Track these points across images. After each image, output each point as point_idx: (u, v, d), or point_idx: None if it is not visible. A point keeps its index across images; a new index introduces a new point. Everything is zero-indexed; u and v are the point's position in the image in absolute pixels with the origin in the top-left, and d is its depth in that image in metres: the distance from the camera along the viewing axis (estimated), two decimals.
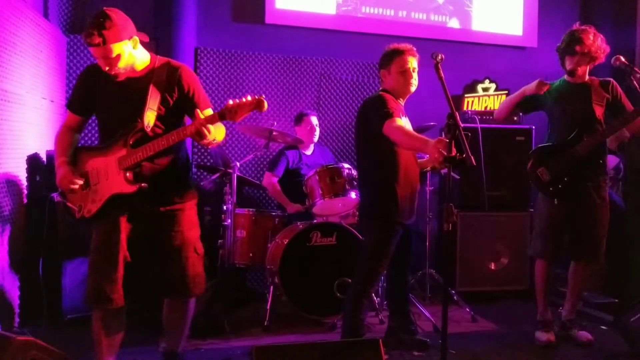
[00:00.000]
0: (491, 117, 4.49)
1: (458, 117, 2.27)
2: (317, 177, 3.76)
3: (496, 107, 4.67)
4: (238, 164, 3.83)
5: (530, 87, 3.48)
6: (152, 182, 2.45)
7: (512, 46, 5.58)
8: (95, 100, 2.54)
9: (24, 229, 3.38)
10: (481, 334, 3.68)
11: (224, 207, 3.83)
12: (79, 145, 2.66)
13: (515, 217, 4.51)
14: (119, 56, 2.34)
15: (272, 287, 3.77)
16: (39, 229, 3.38)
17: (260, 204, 4.80)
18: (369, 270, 3.00)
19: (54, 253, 3.42)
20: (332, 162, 4.31)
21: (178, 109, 2.49)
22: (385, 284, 3.70)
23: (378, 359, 2.28)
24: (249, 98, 2.28)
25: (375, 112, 2.89)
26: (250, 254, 3.96)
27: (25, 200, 3.40)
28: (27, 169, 3.43)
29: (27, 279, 3.35)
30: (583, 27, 3.34)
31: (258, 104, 2.28)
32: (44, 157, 3.65)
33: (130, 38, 2.36)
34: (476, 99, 4.81)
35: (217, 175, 3.95)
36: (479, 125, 4.00)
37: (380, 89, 3.14)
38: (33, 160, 3.50)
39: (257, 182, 4.36)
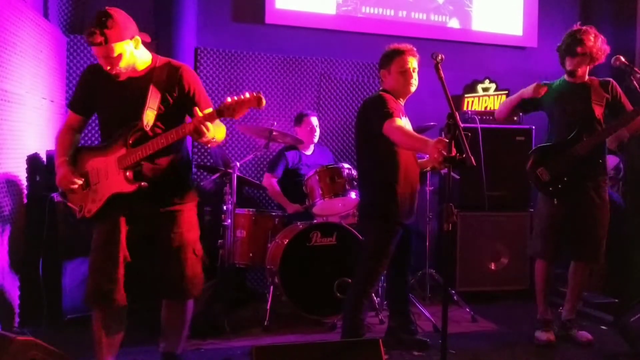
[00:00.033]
0: (491, 117, 4.50)
1: (458, 117, 2.27)
2: (317, 177, 3.76)
3: (496, 107, 4.68)
4: (238, 164, 3.83)
5: (527, 90, 3.50)
6: (152, 183, 2.45)
7: (512, 46, 5.58)
8: (96, 100, 2.54)
9: (24, 229, 3.38)
10: (481, 334, 3.68)
11: (224, 207, 3.83)
12: (80, 145, 2.67)
13: (515, 217, 4.51)
14: (120, 56, 2.34)
15: (272, 287, 3.77)
16: (39, 229, 3.38)
17: (260, 204, 4.80)
18: (369, 270, 3.01)
19: (54, 253, 3.42)
20: (332, 162, 4.31)
21: (179, 109, 2.49)
22: (385, 284, 3.70)
23: (378, 359, 2.28)
24: (247, 95, 2.28)
25: (375, 112, 2.89)
26: (250, 254, 3.96)
27: (25, 200, 3.40)
28: (27, 169, 3.43)
29: (27, 279, 3.35)
30: (584, 28, 3.34)
31: (256, 101, 2.28)
32: (44, 157, 3.65)
33: (132, 38, 2.37)
34: (476, 99, 4.81)
35: (217, 175, 3.95)
36: (479, 125, 3.99)
37: (381, 89, 3.14)
38: (33, 160, 3.50)
39: (257, 182, 4.36)
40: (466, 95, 4.81)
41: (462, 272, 4.41)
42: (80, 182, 2.48)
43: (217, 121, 2.49)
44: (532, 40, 5.58)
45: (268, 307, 3.70)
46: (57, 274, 3.43)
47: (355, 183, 3.68)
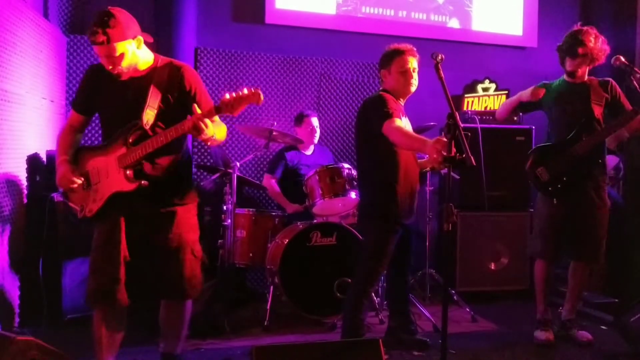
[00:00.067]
0: (491, 117, 4.50)
1: (458, 117, 2.27)
2: (317, 177, 3.76)
3: (496, 107, 4.70)
4: (238, 164, 3.83)
5: (526, 93, 3.52)
6: (153, 182, 2.45)
7: (512, 46, 5.58)
8: (98, 100, 2.55)
9: (24, 229, 3.38)
10: (481, 334, 3.68)
11: (224, 207, 3.83)
12: (81, 145, 2.67)
13: (515, 217, 4.51)
14: (122, 55, 2.34)
15: (272, 287, 3.77)
16: (39, 229, 3.38)
17: (260, 204, 4.80)
18: (369, 270, 3.01)
19: (54, 253, 3.42)
20: (332, 162, 4.31)
21: (180, 108, 2.48)
22: (385, 284, 3.70)
23: (378, 359, 2.28)
24: (245, 91, 2.28)
25: (375, 112, 2.89)
26: (250, 254, 3.96)
27: (25, 200, 3.40)
28: (27, 169, 3.43)
29: (27, 279, 3.35)
30: (585, 29, 3.34)
31: (254, 97, 2.28)
32: (44, 157, 3.65)
33: (134, 37, 2.37)
34: (476, 99, 4.81)
35: (217, 175, 3.95)
36: (479, 125, 3.99)
37: (381, 89, 3.14)
38: (33, 160, 3.50)
39: (257, 182, 4.36)
40: (466, 95, 4.81)
41: (462, 272, 4.41)
42: (79, 181, 2.48)
43: (218, 120, 2.50)
44: (532, 40, 5.58)
45: (268, 307, 3.70)
46: (57, 274, 3.43)
47: (355, 183, 3.68)
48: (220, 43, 4.74)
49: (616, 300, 4.08)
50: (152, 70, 2.49)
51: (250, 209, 4.07)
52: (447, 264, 4.21)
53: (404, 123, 2.96)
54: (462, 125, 2.26)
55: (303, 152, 4.42)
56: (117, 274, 2.41)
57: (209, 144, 2.46)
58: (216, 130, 2.41)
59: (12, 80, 3.17)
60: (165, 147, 2.43)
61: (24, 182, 3.40)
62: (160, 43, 4.32)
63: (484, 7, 5.46)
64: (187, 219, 2.58)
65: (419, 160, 3.16)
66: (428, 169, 3.46)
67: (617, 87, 3.44)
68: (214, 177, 4.02)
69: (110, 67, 2.37)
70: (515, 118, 4.51)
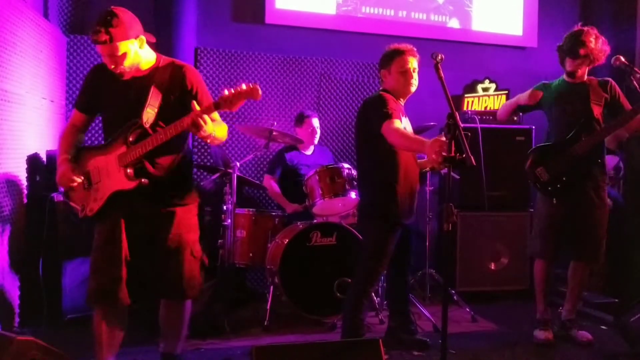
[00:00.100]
0: (491, 117, 4.51)
1: (458, 117, 2.27)
2: (317, 177, 3.76)
3: (496, 107, 4.71)
4: (238, 164, 3.83)
5: (523, 96, 3.55)
6: (153, 182, 2.45)
7: (512, 46, 5.58)
8: (101, 99, 2.56)
9: (24, 229, 3.38)
10: (481, 334, 3.68)
11: (224, 207, 3.83)
12: (83, 145, 2.68)
13: (515, 217, 4.51)
14: (125, 54, 2.35)
15: (272, 287, 3.77)
16: (39, 229, 3.38)
17: (260, 204, 4.80)
18: (369, 270, 3.01)
19: (54, 253, 3.42)
20: (332, 162, 4.31)
21: (181, 107, 2.47)
22: (385, 284, 3.70)
23: (378, 359, 2.28)
24: (244, 86, 2.29)
25: (375, 112, 2.89)
26: (250, 254, 3.96)
27: (25, 200, 3.40)
28: (27, 169, 3.43)
29: (27, 279, 3.35)
30: (586, 29, 3.34)
31: (252, 92, 2.28)
32: (44, 157, 3.65)
33: (136, 37, 2.38)
34: (476, 99, 4.81)
35: (217, 175, 3.95)
36: (479, 125, 3.99)
37: (381, 88, 3.14)
38: (33, 160, 3.50)
39: (257, 182, 4.36)
40: (466, 95, 4.81)
41: (462, 272, 4.41)
42: (79, 179, 2.49)
43: (219, 120, 2.51)
44: (532, 40, 5.58)
45: (268, 307, 3.70)
46: (57, 274, 3.43)
47: (355, 183, 3.68)
48: (220, 43, 4.74)
49: (616, 300, 4.08)
50: (154, 70, 2.50)
51: (250, 209, 4.07)
52: (447, 264, 4.20)
53: (404, 123, 2.96)
54: (462, 125, 2.26)
55: (303, 152, 4.42)
56: (118, 274, 2.42)
57: (208, 141, 2.45)
58: (216, 128, 2.41)
59: (12, 80, 3.17)
60: (166, 147, 2.43)
61: (24, 182, 3.40)
62: (160, 43, 4.32)
63: (484, 7, 5.46)
64: (187, 219, 2.58)
65: (418, 161, 3.16)
66: (428, 169, 3.45)
67: (617, 87, 3.44)
68: (214, 177, 4.02)
69: (113, 66, 2.38)
70: (515, 118, 4.51)
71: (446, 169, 2.32)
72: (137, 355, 3.00)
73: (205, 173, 4.58)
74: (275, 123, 4.35)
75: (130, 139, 2.42)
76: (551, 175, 3.37)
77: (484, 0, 5.46)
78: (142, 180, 2.41)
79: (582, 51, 3.29)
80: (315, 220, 3.85)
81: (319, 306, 3.68)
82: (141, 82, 2.46)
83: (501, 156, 4.38)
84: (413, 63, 3.03)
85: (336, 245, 3.76)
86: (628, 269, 4.19)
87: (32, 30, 3.49)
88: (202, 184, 4.25)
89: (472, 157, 2.20)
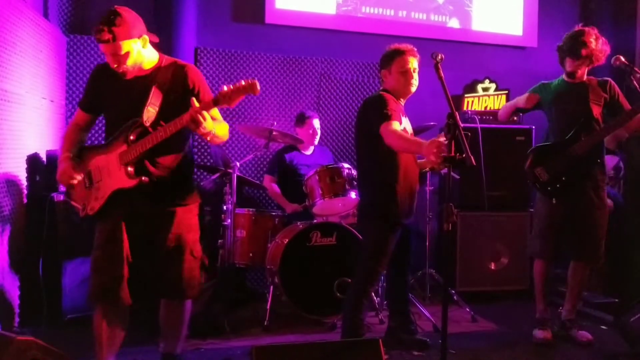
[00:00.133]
0: (491, 117, 4.51)
1: (458, 117, 2.27)
2: (317, 177, 3.76)
3: (496, 107, 4.73)
4: (238, 164, 3.83)
5: (521, 99, 3.57)
6: (154, 182, 2.45)
7: (512, 46, 5.58)
8: (103, 99, 2.57)
9: (24, 229, 3.38)
10: (481, 334, 3.68)
11: (224, 207, 3.83)
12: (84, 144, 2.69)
13: (515, 217, 4.51)
14: (127, 54, 2.36)
15: (272, 287, 3.77)
16: (39, 229, 3.38)
17: (260, 204, 4.80)
18: (369, 270, 3.00)
19: (54, 253, 3.42)
20: (332, 162, 4.31)
21: (182, 106, 2.47)
22: (385, 284, 3.70)
23: (378, 359, 2.28)
24: (243, 82, 2.29)
25: (374, 112, 2.90)
26: (250, 254, 3.96)
27: (25, 200, 3.40)
28: (27, 169, 3.43)
29: (27, 279, 3.35)
30: (586, 30, 3.34)
31: (251, 87, 2.28)
32: (44, 157, 3.65)
33: (139, 37, 2.39)
34: (476, 99, 4.81)
35: (217, 175, 3.95)
36: (479, 125, 3.99)
37: (381, 88, 3.14)
38: (33, 160, 3.50)
39: (257, 182, 4.36)
40: (466, 95, 4.81)
41: (462, 272, 4.41)
42: (79, 177, 2.50)
43: (220, 118, 2.52)
44: (532, 40, 5.58)
45: (268, 307, 3.70)
46: (57, 274, 3.43)
47: (355, 183, 3.68)
48: (220, 43, 4.74)
49: (616, 300, 4.08)
50: (157, 70, 2.51)
51: (250, 209, 4.07)
52: (447, 264, 4.20)
53: (404, 123, 2.96)
54: (462, 125, 2.26)
55: (303, 152, 4.42)
56: (120, 272, 2.42)
57: (208, 139, 2.44)
58: (217, 127, 2.42)
59: (12, 80, 3.17)
60: (167, 147, 2.44)
61: (24, 182, 3.40)
62: (160, 43, 4.33)
63: (484, 7, 5.46)
64: (188, 219, 2.58)
65: (418, 161, 3.16)
66: (428, 169, 3.46)
67: (616, 86, 3.44)
68: (214, 177, 4.02)
69: (116, 65, 2.39)
70: (515, 118, 4.51)
71: (446, 169, 2.32)
72: (137, 355, 3.00)
73: (205, 173, 4.58)
74: (275, 123, 4.36)
75: (131, 137, 2.42)
76: (550, 175, 3.37)
77: (484, 0, 5.46)
78: (143, 178, 2.41)
79: (583, 52, 3.29)
80: (315, 220, 3.85)
81: (319, 306, 3.68)
82: (143, 82, 2.47)
83: (501, 156, 4.38)
84: (413, 63, 3.03)
85: (336, 245, 3.76)
86: (628, 269, 4.19)
87: (32, 30, 3.49)
88: (202, 184, 4.25)
89: (472, 157, 2.20)
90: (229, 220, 3.78)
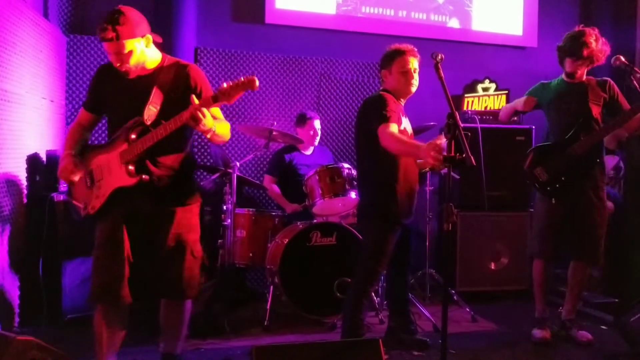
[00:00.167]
0: (491, 117, 4.52)
1: (458, 117, 2.27)
2: (317, 177, 3.76)
3: (496, 107, 4.73)
4: (238, 164, 3.83)
5: (520, 102, 3.57)
6: (155, 181, 2.46)
7: (512, 46, 5.58)
8: (106, 99, 2.57)
9: (24, 229, 3.38)
10: (481, 333, 3.68)
11: (224, 207, 3.83)
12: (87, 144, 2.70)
13: (515, 217, 4.51)
14: (130, 52, 2.36)
15: (272, 287, 3.77)
16: (39, 229, 3.38)
17: (260, 204, 4.80)
18: (369, 270, 3.00)
19: (54, 253, 3.42)
20: (332, 162, 4.31)
21: (184, 106, 2.48)
22: (385, 284, 3.70)
23: (378, 359, 2.28)
24: (242, 79, 2.29)
25: (374, 112, 2.90)
26: (250, 254, 3.96)
27: (25, 200, 3.40)
28: (27, 169, 3.43)
29: (27, 279, 3.35)
30: (586, 30, 3.33)
31: (250, 83, 2.28)
32: (44, 157, 3.65)
33: (143, 36, 2.39)
34: (476, 99, 4.82)
35: (217, 175, 3.95)
36: (479, 125, 3.99)
37: (381, 88, 3.14)
38: (33, 160, 3.50)
39: (257, 182, 4.36)
40: (466, 95, 4.81)
41: (462, 272, 4.41)
42: (80, 174, 2.52)
43: (221, 117, 2.53)
44: (532, 40, 5.58)
45: (268, 307, 3.70)
46: (57, 274, 3.43)
47: (355, 183, 3.68)
48: (220, 43, 4.74)
49: (616, 300, 4.08)
50: (159, 69, 2.51)
51: (250, 209, 4.07)
52: (447, 264, 4.20)
53: (404, 123, 2.96)
54: (462, 125, 2.26)
55: (303, 152, 4.42)
56: (120, 271, 2.42)
57: (208, 136, 2.44)
58: (218, 125, 2.42)
59: (12, 80, 3.17)
60: (168, 146, 2.44)
61: (24, 182, 3.40)
62: (160, 43, 4.33)
63: (484, 7, 5.46)
64: (188, 219, 2.58)
65: (418, 161, 3.15)
66: (428, 169, 3.46)
67: (616, 86, 3.44)
68: (214, 177, 4.02)
69: (119, 64, 2.39)
70: (515, 118, 4.51)
71: (446, 169, 2.32)
72: (137, 355, 3.00)
73: (205, 173, 4.58)
74: (275, 123, 4.36)
75: (132, 136, 2.42)
76: (550, 175, 3.37)
77: (484, 0, 5.46)
78: (143, 176, 2.42)
79: (585, 52, 3.29)
80: (315, 220, 3.85)
81: (318, 306, 3.68)
82: (146, 81, 2.47)
83: (501, 156, 4.38)
84: (414, 63, 3.03)
85: (336, 245, 3.76)
86: (628, 269, 4.19)
87: (32, 30, 3.49)
88: (202, 184, 4.25)
89: (472, 157, 2.20)
90: (229, 220, 3.78)
